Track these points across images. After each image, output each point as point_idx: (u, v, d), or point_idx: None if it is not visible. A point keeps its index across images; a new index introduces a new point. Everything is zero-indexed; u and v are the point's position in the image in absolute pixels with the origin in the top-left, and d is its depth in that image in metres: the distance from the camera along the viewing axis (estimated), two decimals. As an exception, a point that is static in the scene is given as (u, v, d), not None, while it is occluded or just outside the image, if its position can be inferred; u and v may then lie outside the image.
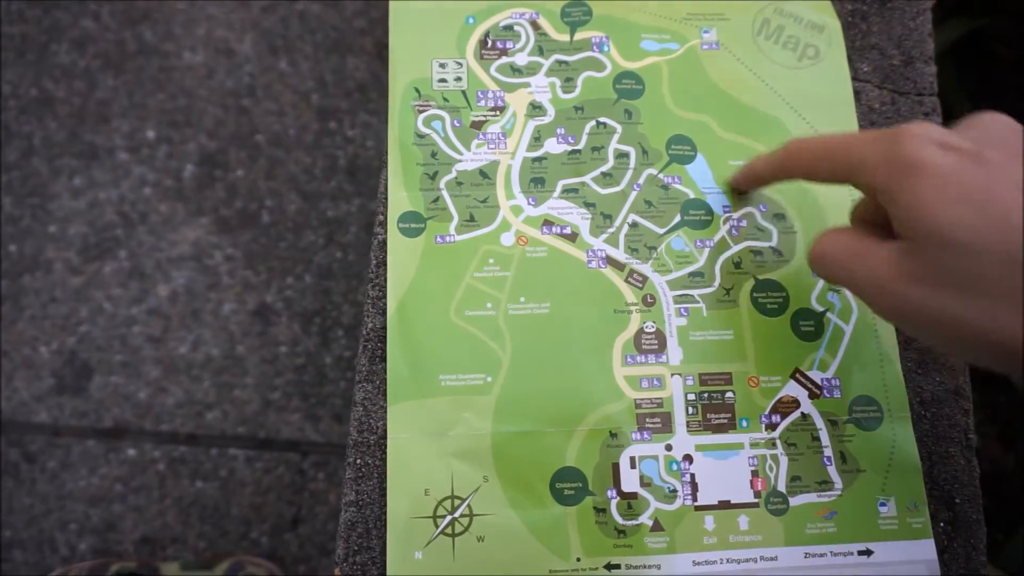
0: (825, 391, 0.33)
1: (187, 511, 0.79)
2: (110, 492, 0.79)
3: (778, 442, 0.33)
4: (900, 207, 0.25)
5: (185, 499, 0.79)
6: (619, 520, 0.31)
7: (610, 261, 0.34)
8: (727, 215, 0.35)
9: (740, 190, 0.36)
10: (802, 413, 0.33)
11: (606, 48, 0.38)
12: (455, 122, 0.36)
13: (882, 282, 0.26)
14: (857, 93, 0.38)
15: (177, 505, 0.79)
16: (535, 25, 0.38)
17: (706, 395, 0.33)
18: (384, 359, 0.33)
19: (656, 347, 0.33)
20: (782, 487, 0.32)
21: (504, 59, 0.37)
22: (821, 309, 0.34)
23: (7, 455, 0.80)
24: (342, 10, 0.93)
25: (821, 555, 0.31)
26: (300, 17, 0.93)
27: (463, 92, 0.37)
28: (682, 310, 0.34)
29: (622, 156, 0.36)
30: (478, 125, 0.36)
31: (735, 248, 0.35)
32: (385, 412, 0.32)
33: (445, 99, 0.36)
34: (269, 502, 0.80)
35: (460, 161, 0.35)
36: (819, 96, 0.37)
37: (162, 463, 0.80)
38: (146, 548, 0.78)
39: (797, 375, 0.33)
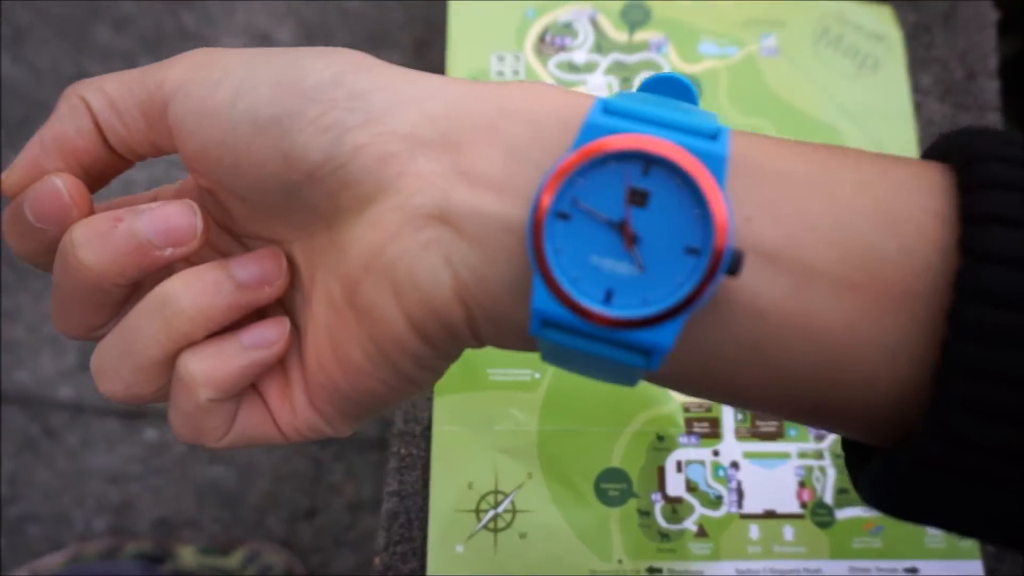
0: (875, 405, 0.33)
1: (204, 494, 0.79)
2: (129, 471, 0.80)
3: (826, 453, 0.32)
4: None
5: (202, 482, 0.79)
6: (663, 524, 0.31)
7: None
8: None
9: None
10: (851, 426, 0.33)
11: (664, 50, 0.37)
12: (511, 116, 0.36)
13: None
14: (918, 106, 0.37)
15: (194, 488, 0.79)
16: (594, 23, 0.38)
17: (755, 402, 0.33)
18: (432, 350, 0.33)
19: (706, 351, 0.33)
20: (829, 499, 0.32)
21: (563, 55, 0.37)
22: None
23: (28, 430, 0.80)
24: (382, 3, 0.94)
25: (866, 570, 0.31)
26: (339, 9, 0.93)
27: (520, 86, 0.36)
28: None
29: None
30: (534, 120, 0.36)
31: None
32: (431, 403, 0.32)
33: (502, 92, 0.36)
34: (285, 491, 0.80)
35: (515, 155, 0.35)
36: (877, 107, 0.37)
37: (181, 445, 0.80)
38: (161, 529, 0.78)
39: (847, 387, 0.33)
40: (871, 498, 0.18)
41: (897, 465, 0.16)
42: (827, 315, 0.16)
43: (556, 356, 0.19)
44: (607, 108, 0.17)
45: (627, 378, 0.18)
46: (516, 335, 0.18)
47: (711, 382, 0.18)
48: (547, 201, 0.16)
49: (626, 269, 0.16)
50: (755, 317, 0.17)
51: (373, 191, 0.18)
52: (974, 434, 0.15)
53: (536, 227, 0.16)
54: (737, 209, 0.17)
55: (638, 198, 0.16)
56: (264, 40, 0.91)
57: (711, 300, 0.16)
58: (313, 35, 0.92)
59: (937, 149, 0.19)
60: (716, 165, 0.16)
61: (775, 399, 0.18)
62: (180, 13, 0.92)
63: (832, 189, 0.17)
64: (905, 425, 0.17)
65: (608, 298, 0.17)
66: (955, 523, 0.17)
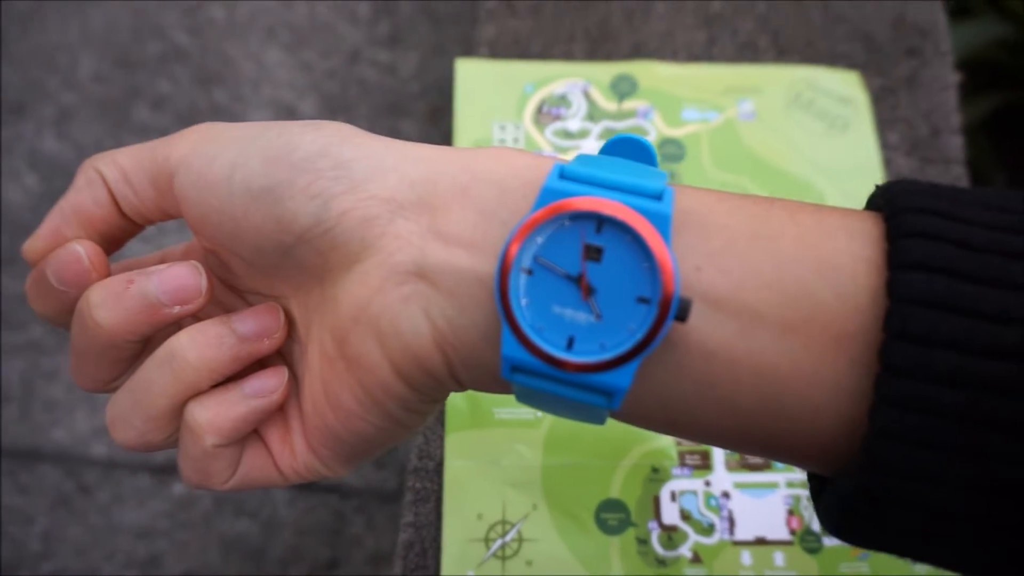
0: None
1: (229, 548, 0.81)
2: (157, 526, 0.82)
3: (811, 483, 0.34)
4: None
5: (227, 536, 0.81)
6: (659, 551, 0.33)
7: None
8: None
9: None
10: (834, 457, 0.35)
11: (651, 116, 0.41)
12: (513, 179, 0.40)
13: None
14: (888, 161, 0.41)
15: (220, 542, 0.81)
16: (586, 94, 0.42)
17: (743, 436, 0.35)
18: (443, 392, 0.36)
19: (696, 389, 0.36)
20: (816, 526, 0.34)
21: (558, 124, 0.41)
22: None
23: (63, 486, 0.84)
24: (398, 74, 1.00)
25: (853, 594, 0.33)
26: (359, 82, 0.99)
27: (521, 153, 0.40)
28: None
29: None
30: (534, 182, 0.40)
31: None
32: (443, 441, 0.35)
33: (504, 159, 0.40)
34: (307, 543, 0.82)
35: (517, 214, 0.39)
36: (847, 163, 0.40)
37: (208, 499, 0.83)
38: (188, 584, 0.80)
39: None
40: (826, 524, 0.20)
41: (841, 493, 0.18)
42: (773, 355, 0.18)
43: (528, 397, 0.20)
44: (563, 174, 0.19)
45: (593, 416, 0.20)
46: (492, 379, 0.20)
47: (671, 418, 0.20)
48: (512, 256, 0.18)
49: (585, 318, 0.18)
50: (707, 358, 0.18)
51: (358, 251, 0.20)
52: (904, 463, 0.16)
53: (503, 281, 0.18)
54: (687, 260, 0.18)
55: (593, 253, 0.18)
56: (289, 112, 0.97)
57: (664, 344, 0.18)
58: (334, 107, 0.98)
59: (875, 199, 0.21)
60: (661, 223, 0.18)
61: (730, 433, 0.20)
62: (212, 90, 0.99)
63: (773, 240, 0.19)
64: (849, 456, 0.18)
65: (570, 344, 0.18)
66: (897, 546, 0.19)
